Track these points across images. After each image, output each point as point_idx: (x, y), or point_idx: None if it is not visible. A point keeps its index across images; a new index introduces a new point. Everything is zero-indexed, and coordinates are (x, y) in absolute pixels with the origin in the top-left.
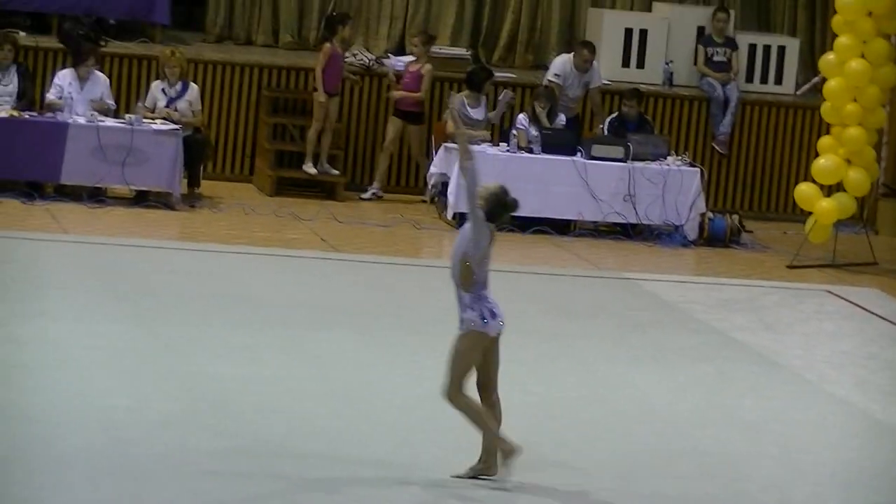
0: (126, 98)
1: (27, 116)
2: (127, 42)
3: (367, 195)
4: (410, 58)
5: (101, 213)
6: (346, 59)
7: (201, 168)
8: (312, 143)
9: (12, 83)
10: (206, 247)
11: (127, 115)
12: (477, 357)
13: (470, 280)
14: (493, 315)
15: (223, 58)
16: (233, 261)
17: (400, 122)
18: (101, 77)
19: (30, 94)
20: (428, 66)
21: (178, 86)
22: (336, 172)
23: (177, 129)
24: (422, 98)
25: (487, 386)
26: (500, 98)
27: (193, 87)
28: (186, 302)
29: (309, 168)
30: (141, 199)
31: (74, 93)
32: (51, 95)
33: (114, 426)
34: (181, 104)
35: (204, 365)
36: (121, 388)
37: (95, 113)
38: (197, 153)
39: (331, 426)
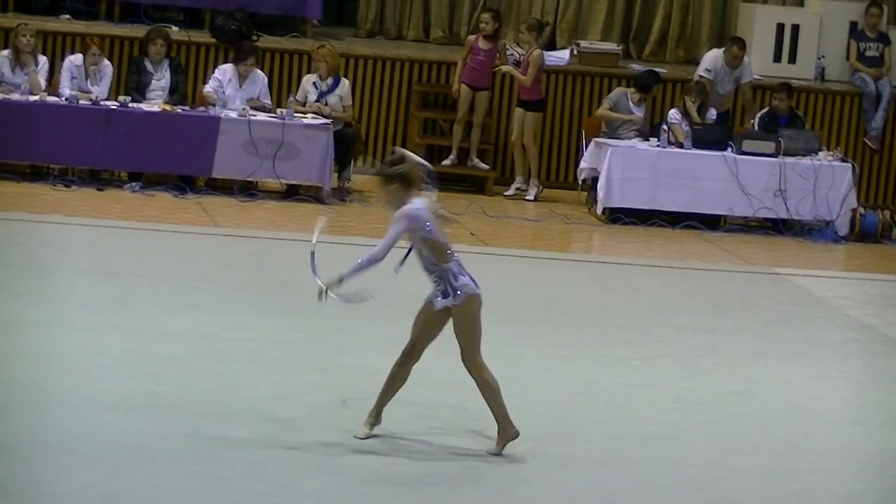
0: (278, 93)
1: (179, 111)
2: (279, 37)
3: (510, 192)
4: (562, 53)
5: (252, 207)
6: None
7: (352, 162)
8: (457, 137)
9: (165, 77)
10: (355, 240)
11: (278, 110)
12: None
13: (443, 252)
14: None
15: (374, 53)
16: None
17: (522, 112)
18: (260, 76)
19: (182, 89)
20: (536, 53)
21: (330, 80)
22: (485, 167)
23: (328, 124)
24: (525, 83)
25: (414, 354)
26: None
27: (344, 82)
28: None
29: (447, 161)
30: (291, 192)
31: (232, 89)
32: (208, 87)
33: (262, 418)
34: (332, 99)
35: (352, 357)
36: (268, 380)
37: (248, 108)
38: (347, 147)
39: (477, 418)
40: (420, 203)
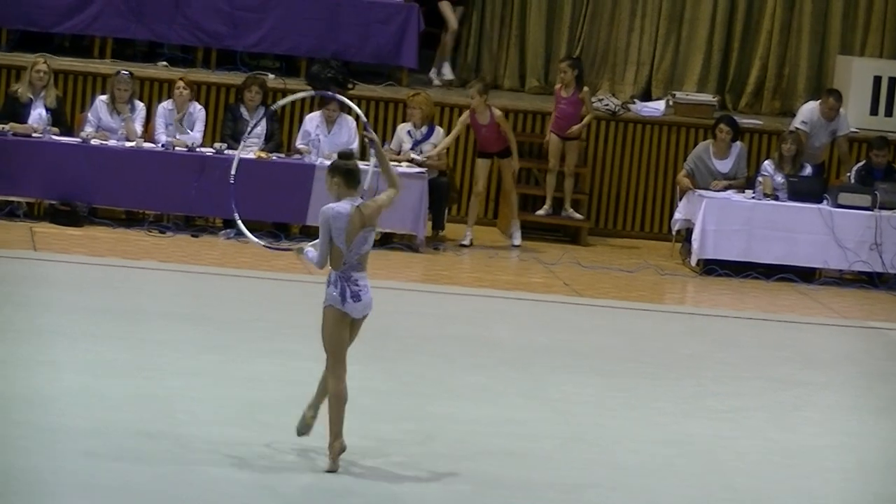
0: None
1: (275, 158)
2: (374, 85)
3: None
4: (657, 104)
5: None
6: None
7: (445, 211)
8: (550, 187)
9: (260, 125)
10: (448, 289)
11: (372, 158)
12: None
13: (337, 260)
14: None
15: (468, 101)
16: (475, 304)
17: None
18: (348, 121)
19: (277, 137)
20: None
21: (424, 129)
22: (579, 217)
23: (422, 172)
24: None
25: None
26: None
27: (439, 131)
28: (428, 343)
29: (541, 211)
30: (385, 240)
31: (322, 135)
32: (299, 143)
33: (353, 465)
34: (426, 147)
35: (443, 406)
36: (360, 428)
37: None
38: (441, 196)
39: (569, 470)
40: (345, 204)
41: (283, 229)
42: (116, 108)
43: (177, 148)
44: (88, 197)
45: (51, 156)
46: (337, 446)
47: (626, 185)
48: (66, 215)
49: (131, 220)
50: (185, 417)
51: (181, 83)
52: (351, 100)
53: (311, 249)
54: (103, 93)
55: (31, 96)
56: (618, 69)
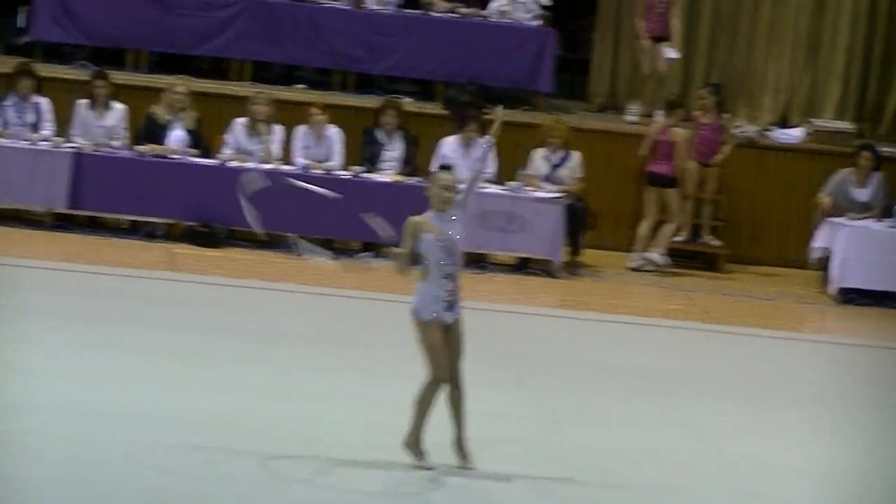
0: (508, 165)
1: (412, 182)
2: (510, 110)
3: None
4: (795, 131)
5: (483, 280)
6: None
7: (582, 236)
8: (686, 214)
9: (397, 148)
10: (585, 315)
11: (509, 183)
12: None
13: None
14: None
15: (605, 127)
16: (612, 330)
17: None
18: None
19: (414, 160)
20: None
21: (561, 154)
22: (717, 244)
23: (559, 198)
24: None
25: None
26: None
27: (575, 156)
28: (565, 369)
29: (678, 238)
30: (522, 266)
31: (459, 159)
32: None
33: (489, 491)
34: (563, 172)
35: (582, 434)
36: (499, 459)
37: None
38: (578, 221)
39: (712, 500)
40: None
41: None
42: (255, 130)
43: (315, 171)
44: (227, 218)
45: (189, 177)
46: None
47: (763, 212)
48: (205, 237)
49: (271, 243)
50: (328, 439)
51: (316, 108)
52: (482, 120)
53: None
54: (242, 115)
55: (170, 118)
56: (755, 95)
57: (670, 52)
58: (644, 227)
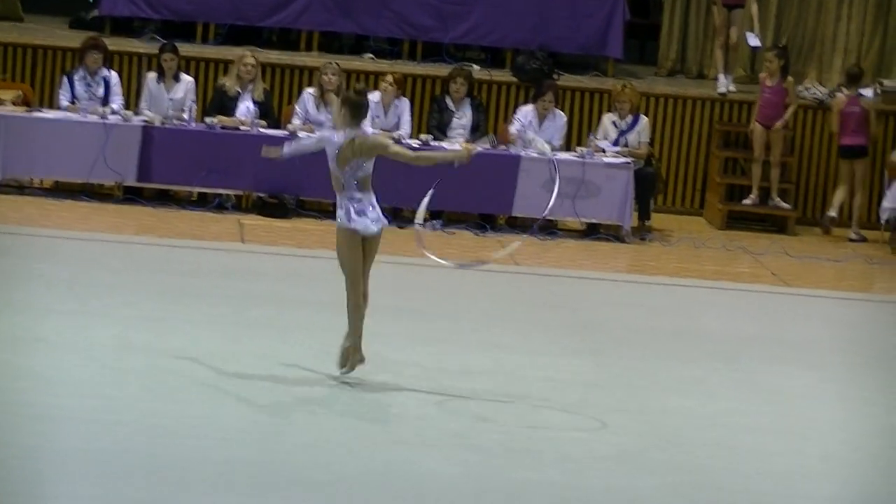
0: (578, 131)
1: (480, 149)
2: (579, 76)
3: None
4: (865, 91)
5: (552, 246)
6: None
7: (651, 201)
8: (756, 177)
9: (466, 116)
10: (655, 280)
11: (578, 148)
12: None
13: (338, 184)
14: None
15: (675, 91)
16: (682, 294)
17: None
18: (559, 117)
19: (483, 128)
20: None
21: (629, 119)
22: (787, 206)
23: (628, 163)
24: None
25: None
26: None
27: (644, 121)
28: (636, 335)
29: (747, 200)
30: (591, 231)
31: (532, 130)
32: (513, 128)
33: (567, 458)
34: (631, 137)
35: (655, 399)
36: (573, 421)
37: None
38: (647, 186)
39: (785, 463)
40: (341, 135)
41: (488, 220)
42: (324, 100)
43: None
44: (296, 189)
45: (258, 149)
46: (357, 357)
47: (833, 175)
48: (274, 207)
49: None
50: (395, 411)
51: (388, 79)
52: (555, 88)
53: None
54: (310, 85)
55: (239, 90)
56: (825, 57)
57: (753, 39)
58: (839, 196)
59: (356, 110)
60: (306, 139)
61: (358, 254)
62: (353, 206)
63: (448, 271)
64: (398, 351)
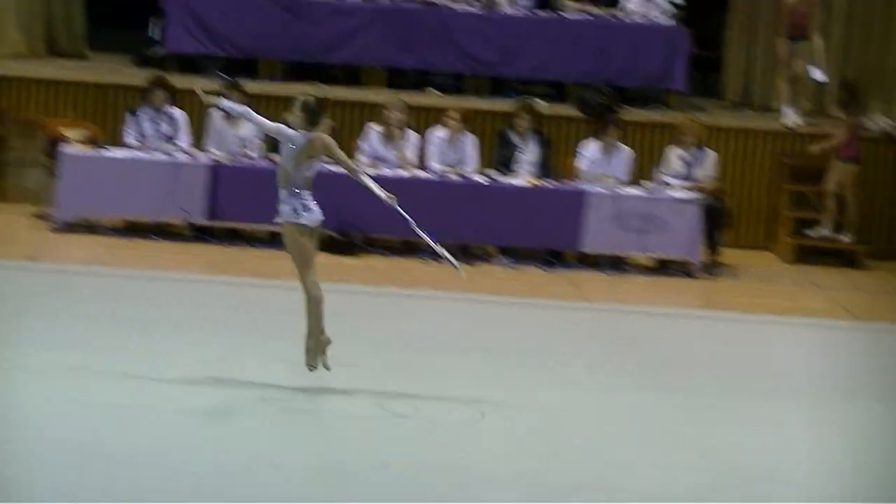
0: (643, 165)
1: (547, 184)
2: (644, 109)
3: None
4: None
5: (621, 281)
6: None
7: (719, 235)
8: (829, 210)
9: (532, 151)
10: (726, 315)
11: (645, 183)
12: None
13: (286, 179)
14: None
15: (740, 125)
16: (753, 329)
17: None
18: (624, 152)
19: (548, 163)
20: None
21: (695, 152)
22: (855, 240)
23: (696, 197)
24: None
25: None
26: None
27: (710, 154)
28: (706, 370)
29: (816, 233)
30: (661, 267)
31: (598, 164)
32: (581, 164)
33: (641, 496)
34: (698, 171)
35: (727, 436)
36: (644, 459)
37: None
38: (716, 220)
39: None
40: (301, 135)
41: (556, 256)
42: (389, 136)
43: (450, 176)
44: (363, 226)
45: (325, 185)
46: (324, 339)
47: None
48: (342, 245)
49: (408, 250)
50: (470, 448)
51: (453, 114)
52: (617, 122)
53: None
54: (375, 121)
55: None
56: (890, 90)
57: (817, 73)
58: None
59: (313, 115)
60: (259, 116)
61: (311, 246)
62: (299, 202)
63: (513, 308)
64: (470, 388)
